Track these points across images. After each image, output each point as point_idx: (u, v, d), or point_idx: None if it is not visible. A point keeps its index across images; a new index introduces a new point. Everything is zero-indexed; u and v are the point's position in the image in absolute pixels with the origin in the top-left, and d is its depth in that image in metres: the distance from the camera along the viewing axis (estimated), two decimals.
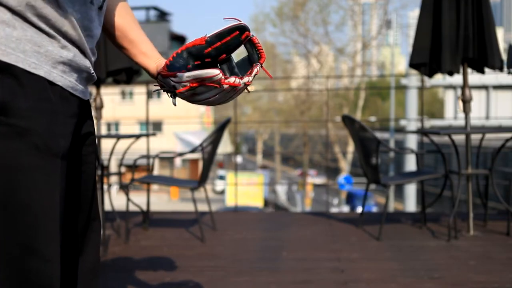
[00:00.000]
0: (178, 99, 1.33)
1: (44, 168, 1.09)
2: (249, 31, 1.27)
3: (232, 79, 1.23)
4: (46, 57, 1.11)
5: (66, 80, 1.16)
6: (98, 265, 1.33)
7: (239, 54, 1.37)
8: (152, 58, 1.36)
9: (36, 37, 1.09)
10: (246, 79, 1.26)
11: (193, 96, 1.27)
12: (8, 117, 1.05)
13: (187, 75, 1.22)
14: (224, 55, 1.28)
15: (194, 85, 1.24)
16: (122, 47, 1.39)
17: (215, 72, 1.20)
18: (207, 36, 1.26)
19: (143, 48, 1.37)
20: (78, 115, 1.21)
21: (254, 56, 1.30)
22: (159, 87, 1.34)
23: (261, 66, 1.30)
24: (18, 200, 1.06)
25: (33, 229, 1.07)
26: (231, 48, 1.28)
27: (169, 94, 1.31)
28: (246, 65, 1.31)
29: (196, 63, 1.28)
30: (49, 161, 1.09)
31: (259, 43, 1.29)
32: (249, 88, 1.32)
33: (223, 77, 1.22)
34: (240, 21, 1.26)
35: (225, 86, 1.23)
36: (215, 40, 1.26)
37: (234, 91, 1.27)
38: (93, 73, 1.25)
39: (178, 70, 1.26)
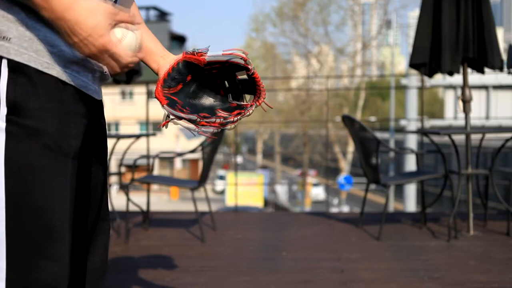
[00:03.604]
0: None
1: (55, 168, 1.09)
2: (248, 70, 1.22)
3: (212, 120, 1.23)
4: (59, 57, 1.10)
5: (79, 79, 1.15)
6: (106, 265, 1.33)
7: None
8: (153, 59, 1.34)
9: (49, 36, 1.09)
10: (230, 120, 1.25)
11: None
12: (20, 117, 1.05)
13: (167, 111, 1.22)
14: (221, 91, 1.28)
15: (175, 119, 1.24)
16: None
17: (192, 117, 1.21)
18: (207, 59, 1.22)
19: (145, 47, 1.36)
20: (90, 115, 1.21)
21: (254, 87, 1.26)
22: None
23: (256, 106, 1.26)
24: (29, 200, 1.06)
25: (43, 229, 1.07)
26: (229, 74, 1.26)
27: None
28: (250, 87, 1.27)
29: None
30: (60, 162, 1.09)
31: (259, 82, 1.25)
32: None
33: (199, 119, 1.22)
34: (240, 56, 1.21)
35: (204, 125, 1.24)
36: (212, 67, 1.24)
37: (217, 128, 1.26)
38: (106, 72, 1.24)
39: (174, 86, 1.24)
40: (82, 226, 1.26)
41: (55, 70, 1.10)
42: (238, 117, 1.25)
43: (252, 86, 1.27)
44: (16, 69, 1.06)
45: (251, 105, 1.26)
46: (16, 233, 1.05)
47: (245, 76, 1.27)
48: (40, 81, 1.08)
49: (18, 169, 1.05)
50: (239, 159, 47.97)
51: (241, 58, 1.21)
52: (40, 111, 1.07)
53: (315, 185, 34.56)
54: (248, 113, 1.26)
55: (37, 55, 1.08)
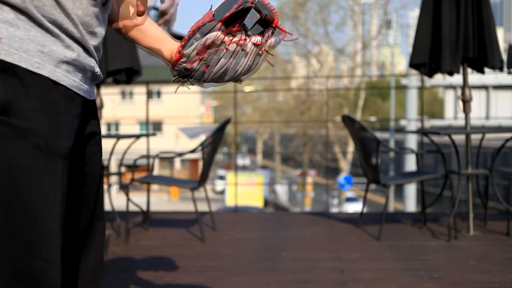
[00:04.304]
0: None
1: (46, 168, 1.09)
2: None
3: (237, 38, 1.20)
4: (49, 57, 1.10)
5: (71, 79, 1.15)
6: (101, 265, 1.33)
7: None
8: (164, 42, 1.35)
9: (39, 36, 1.09)
10: (254, 39, 1.22)
11: (208, 69, 1.24)
12: (10, 117, 1.05)
13: (191, 48, 1.20)
14: (237, 25, 1.24)
15: (203, 56, 1.21)
16: (133, 39, 1.38)
17: (215, 34, 1.18)
18: (214, 10, 1.23)
19: (154, 38, 1.36)
20: (82, 115, 1.20)
21: (267, 18, 1.25)
22: (177, 76, 1.32)
23: (275, 28, 1.25)
24: (19, 200, 1.06)
25: (33, 229, 1.07)
26: (241, 16, 1.24)
27: (187, 82, 1.29)
28: (260, 30, 1.27)
29: None
30: (50, 162, 1.09)
31: (269, 3, 1.25)
32: (268, 53, 1.26)
33: (225, 37, 1.19)
34: None
35: (233, 46, 1.20)
36: (222, 13, 1.23)
37: (245, 53, 1.23)
38: (97, 72, 1.24)
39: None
40: (74, 226, 1.25)
41: (45, 70, 1.10)
42: (258, 38, 1.23)
43: (265, 23, 1.26)
44: (6, 69, 1.06)
45: (273, 26, 1.24)
46: (7, 233, 1.05)
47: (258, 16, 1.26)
48: (30, 81, 1.07)
49: (9, 170, 1.05)
50: (246, 161, 47.46)
51: None
52: (31, 111, 1.07)
53: (351, 199, 29.59)
54: (266, 35, 1.24)
55: (27, 55, 1.07)
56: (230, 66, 1.25)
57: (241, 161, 46.53)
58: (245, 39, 1.21)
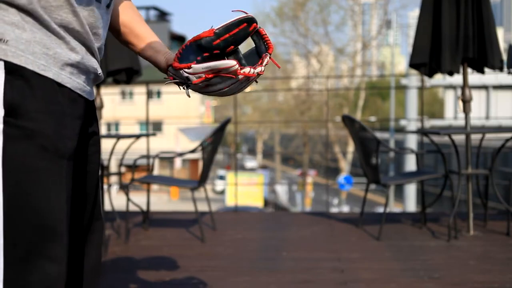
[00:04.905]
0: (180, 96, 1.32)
1: (52, 169, 1.09)
2: (257, 23, 1.28)
3: (247, 69, 1.24)
4: (54, 59, 1.11)
5: (75, 81, 1.17)
6: (100, 264, 1.34)
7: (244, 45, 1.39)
8: (160, 52, 1.36)
9: (45, 39, 1.10)
10: (259, 68, 1.27)
11: (206, 87, 1.27)
12: (17, 119, 1.06)
13: (203, 66, 1.22)
14: (232, 46, 1.30)
15: (210, 76, 1.23)
16: (129, 43, 1.39)
17: (232, 63, 1.20)
18: (216, 28, 1.27)
19: (151, 43, 1.37)
20: (84, 116, 1.22)
21: (262, 47, 1.32)
22: (170, 80, 1.33)
23: (270, 57, 1.30)
24: (26, 201, 1.07)
25: (40, 230, 1.08)
26: (238, 39, 1.30)
27: (181, 87, 1.31)
28: (253, 56, 1.33)
29: (205, 55, 1.29)
30: (56, 163, 1.10)
31: (266, 34, 1.31)
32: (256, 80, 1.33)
33: (239, 67, 1.22)
34: (247, 13, 1.28)
35: (240, 76, 1.23)
36: (223, 32, 1.27)
37: (247, 81, 1.27)
38: (100, 73, 1.26)
39: (189, 62, 1.26)
40: (78, 226, 1.26)
41: (51, 72, 1.11)
42: (261, 67, 1.27)
43: (259, 51, 1.31)
44: (13, 71, 1.06)
45: (265, 57, 1.28)
46: (14, 234, 1.06)
47: (252, 45, 1.32)
48: (36, 83, 1.08)
49: (16, 171, 1.06)
50: (253, 163, 47.10)
51: (244, 13, 1.27)
52: (37, 113, 1.08)
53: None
54: (265, 61, 1.27)
55: (33, 58, 1.08)
56: (228, 89, 1.29)
57: (249, 163, 45.99)
58: (253, 72, 1.25)
